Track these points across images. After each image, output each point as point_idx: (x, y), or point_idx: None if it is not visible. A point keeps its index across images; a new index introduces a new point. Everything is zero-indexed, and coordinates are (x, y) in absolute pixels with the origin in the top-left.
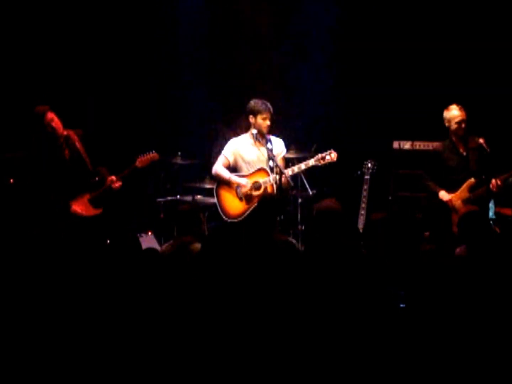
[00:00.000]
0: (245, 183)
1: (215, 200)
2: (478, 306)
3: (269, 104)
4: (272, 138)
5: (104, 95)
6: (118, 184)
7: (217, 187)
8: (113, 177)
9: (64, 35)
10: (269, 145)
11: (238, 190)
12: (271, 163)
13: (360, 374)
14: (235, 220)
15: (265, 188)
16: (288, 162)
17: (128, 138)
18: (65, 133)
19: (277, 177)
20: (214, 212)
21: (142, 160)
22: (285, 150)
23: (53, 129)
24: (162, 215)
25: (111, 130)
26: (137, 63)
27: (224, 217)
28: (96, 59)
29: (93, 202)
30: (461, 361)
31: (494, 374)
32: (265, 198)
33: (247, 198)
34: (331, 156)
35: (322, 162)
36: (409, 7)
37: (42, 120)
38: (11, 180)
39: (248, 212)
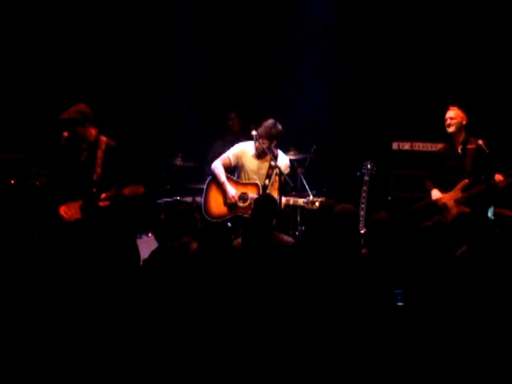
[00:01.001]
0: (232, 196)
1: (203, 192)
2: (475, 305)
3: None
4: (280, 154)
5: (104, 96)
6: (103, 204)
7: (210, 182)
8: (103, 195)
9: (65, 37)
10: (272, 162)
11: (226, 197)
12: (267, 181)
13: (359, 371)
14: (212, 220)
15: (250, 204)
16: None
17: (129, 140)
18: (93, 139)
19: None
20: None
21: (130, 190)
22: (288, 169)
23: (75, 130)
24: (162, 216)
25: (112, 131)
26: (137, 64)
27: (204, 213)
28: (96, 60)
29: (82, 210)
30: (460, 360)
31: (493, 373)
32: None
33: (231, 205)
34: (316, 204)
35: (310, 206)
36: (409, 11)
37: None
38: (12, 181)
39: (227, 218)
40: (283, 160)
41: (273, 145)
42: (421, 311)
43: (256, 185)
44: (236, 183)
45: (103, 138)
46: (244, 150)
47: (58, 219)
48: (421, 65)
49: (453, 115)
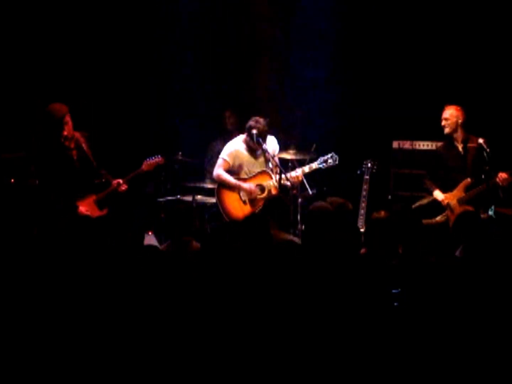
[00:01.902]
0: (249, 189)
1: (216, 201)
2: (474, 306)
3: (266, 122)
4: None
5: (104, 96)
6: (124, 187)
7: (218, 188)
8: (120, 180)
9: (65, 37)
10: (264, 146)
11: (241, 194)
12: (270, 164)
13: (358, 372)
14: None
15: (269, 191)
16: (288, 163)
17: (129, 138)
18: (71, 136)
19: (277, 177)
20: (215, 212)
21: (148, 164)
22: (278, 147)
23: (68, 130)
24: (162, 215)
25: (112, 131)
26: (137, 63)
27: (227, 218)
28: (96, 60)
29: (99, 204)
30: (459, 360)
31: (493, 373)
32: (270, 201)
33: (252, 201)
34: (333, 159)
35: (324, 165)
36: (410, 12)
37: (60, 119)
38: (12, 180)
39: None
40: (271, 141)
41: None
42: (420, 311)
43: (264, 172)
44: (246, 180)
45: (77, 133)
46: (237, 148)
47: (77, 218)
48: (421, 64)
49: (448, 116)
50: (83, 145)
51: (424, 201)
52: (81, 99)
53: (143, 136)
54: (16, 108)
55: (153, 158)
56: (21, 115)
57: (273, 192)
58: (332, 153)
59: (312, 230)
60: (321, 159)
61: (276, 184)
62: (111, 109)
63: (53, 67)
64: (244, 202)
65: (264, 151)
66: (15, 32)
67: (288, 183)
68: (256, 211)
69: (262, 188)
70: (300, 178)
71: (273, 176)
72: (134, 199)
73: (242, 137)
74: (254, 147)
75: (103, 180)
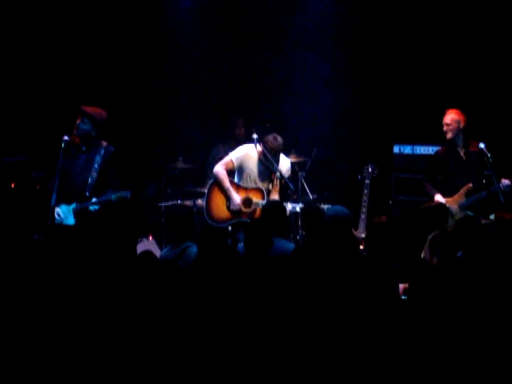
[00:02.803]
0: (235, 201)
1: (205, 196)
2: (474, 309)
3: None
4: (281, 156)
5: (105, 100)
6: (93, 208)
7: (212, 185)
8: (94, 199)
9: (66, 39)
10: (276, 167)
11: (229, 200)
12: (270, 185)
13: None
14: (215, 224)
15: (254, 210)
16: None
17: (129, 143)
18: (93, 143)
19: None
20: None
21: (117, 196)
22: (289, 172)
23: (74, 134)
24: (163, 220)
25: (112, 135)
26: (138, 67)
27: (206, 216)
28: (97, 62)
29: (75, 213)
30: (458, 362)
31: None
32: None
33: (234, 210)
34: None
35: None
36: (411, 12)
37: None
38: (12, 185)
39: (231, 223)
40: (285, 163)
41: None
42: (421, 315)
43: (259, 189)
44: (238, 187)
45: (103, 143)
46: (248, 154)
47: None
48: (422, 68)
49: (449, 121)
50: (97, 156)
51: (428, 204)
52: (82, 102)
53: (143, 141)
54: (16, 110)
55: (121, 191)
56: (22, 119)
57: (257, 213)
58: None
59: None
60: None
61: (261, 206)
62: (111, 113)
63: (53, 69)
64: (228, 207)
65: (274, 171)
66: (17, 36)
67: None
68: (235, 220)
69: (249, 203)
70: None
71: (266, 197)
72: (134, 203)
73: (258, 148)
74: (266, 163)
75: (87, 193)
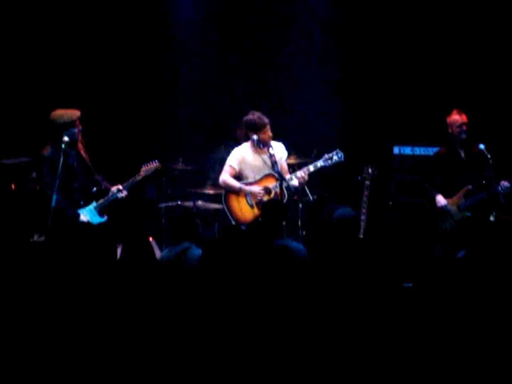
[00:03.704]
0: (255, 191)
1: (224, 207)
2: (474, 311)
3: (265, 117)
4: (273, 143)
5: (105, 102)
6: (124, 194)
7: (225, 194)
8: (119, 186)
9: (67, 42)
10: (271, 150)
11: (248, 198)
12: (276, 168)
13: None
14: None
15: (275, 193)
16: (289, 168)
17: (129, 144)
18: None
19: (298, 173)
20: (216, 217)
21: (146, 169)
22: (286, 153)
23: (78, 136)
24: (163, 221)
25: (112, 137)
26: (139, 69)
27: (237, 224)
28: (98, 64)
29: (99, 211)
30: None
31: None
32: (270, 202)
33: (259, 204)
34: (338, 155)
35: (329, 162)
36: (410, 13)
37: (73, 124)
38: (13, 186)
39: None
40: (278, 147)
41: (264, 135)
42: (421, 316)
43: (270, 175)
44: (250, 184)
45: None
46: (243, 154)
47: (78, 226)
48: (421, 69)
49: (466, 120)
50: (82, 151)
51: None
52: (81, 105)
53: (143, 142)
54: (17, 113)
55: (151, 163)
56: (22, 121)
57: (279, 194)
58: (337, 149)
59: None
60: (326, 156)
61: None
62: (112, 115)
63: (54, 74)
64: (252, 206)
65: (270, 155)
66: (17, 40)
67: (296, 183)
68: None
69: (268, 190)
70: (306, 178)
71: (279, 178)
72: (134, 205)
73: (248, 143)
74: (260, 152)
75: (103, 187)
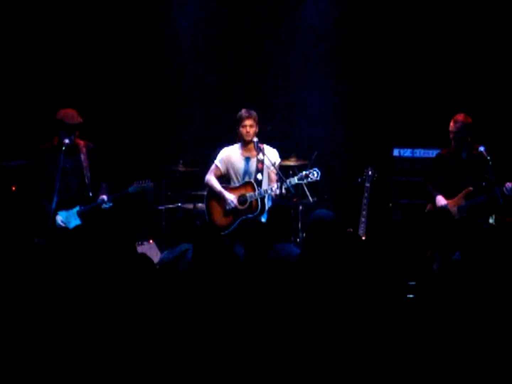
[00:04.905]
0: (230, 201)
1: (204, 206)
2: (473, 313)
3: (251, 112)
4: (266, 147)
5: (105, 103)
6: (108, 205)
7: (208, 195)
8: (104, 197)
9: (67, 45)
10: (260, 156)
11: (225, 203)
12: (259, 176)
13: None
14: (222, 231)
15: (251, 203)
16: (289, 170)
17: (129, 145)
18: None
19: (275, 186)
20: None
21: (135, 187)
22: (279, 160)
23: (75, 136)
24: (163, 223)
25: (113, 139)
26: (139, 70)
27: (212, 226)
28: (98, 64)
29: (81, 215)
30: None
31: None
32: (276, 206)
33: (234, 211)
34: (314, 175)
35: (305, 180)
36: (409, 16)
37: (77, 127)
38: (13, 188)
39: (234, 226)
40: (271, 153)
41: (241, 129)
42: (419, 318)
43: (248, 183)
44: (232, 189)
45: (81, 142)
46: (229, 154)
47: (55, 227)
48: (421, 71)
49: (460, 126)
50: (81, 155)
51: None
52: (82, 107)
53: (144, 143)
54: (17, 116)
55: (142, 182)
56: (23, 123)
57: (253, 205)
58: (315, 168)
59: (313, 240)
60: (301, 174)
61: (257, 196)
62: (112, 116)
63: (53, 73)
64: (227, 212)
65: (257, 161)
66: (17, 42)
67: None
68: (237, 221)
69: (243, 199)
70: (277, 193)
71: (256, 188)
72: (135, 207)
73: (240, 143)
74: (250, 155)
75: (91, 194)
